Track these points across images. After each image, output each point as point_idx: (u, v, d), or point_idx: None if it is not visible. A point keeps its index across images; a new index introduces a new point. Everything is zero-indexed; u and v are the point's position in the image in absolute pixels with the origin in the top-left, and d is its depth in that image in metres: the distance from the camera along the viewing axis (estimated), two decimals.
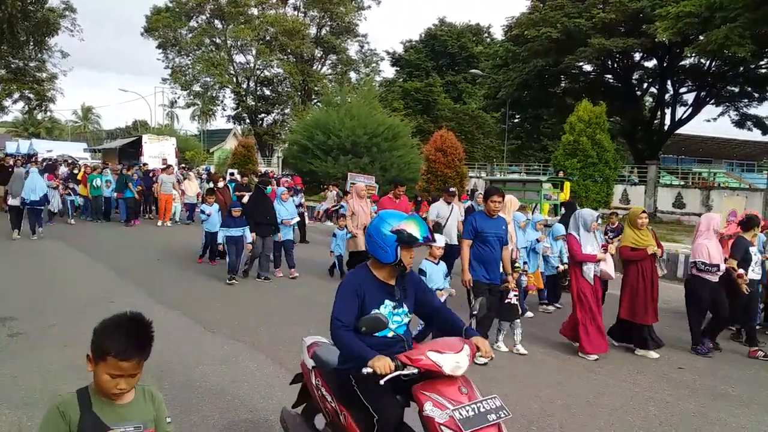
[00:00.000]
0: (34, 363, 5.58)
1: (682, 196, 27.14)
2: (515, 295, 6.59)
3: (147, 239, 14.93)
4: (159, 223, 17.65)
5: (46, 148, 34.54)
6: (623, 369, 6.24)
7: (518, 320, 6.63)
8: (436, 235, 6.68)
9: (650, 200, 28.08)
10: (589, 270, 6.60)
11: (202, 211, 11.65)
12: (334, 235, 10.78)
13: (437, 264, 6.57)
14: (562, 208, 15.42)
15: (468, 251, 6.32)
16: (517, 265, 7.06)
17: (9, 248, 12.46)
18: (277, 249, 10.54)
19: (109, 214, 18.49)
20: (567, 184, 13.15)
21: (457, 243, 9.08)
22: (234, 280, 9.73)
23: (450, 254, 9.30)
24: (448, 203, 10.05)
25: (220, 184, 13.11)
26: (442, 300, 6.03)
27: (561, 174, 18.30)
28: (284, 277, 10.53)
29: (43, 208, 14.02)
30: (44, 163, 20.25)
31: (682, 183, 30.91)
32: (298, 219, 11.59)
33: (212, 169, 26.57)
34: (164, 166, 21.08)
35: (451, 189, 10.56)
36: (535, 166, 40.54)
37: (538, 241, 8.75)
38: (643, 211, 7.07)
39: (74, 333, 6.53)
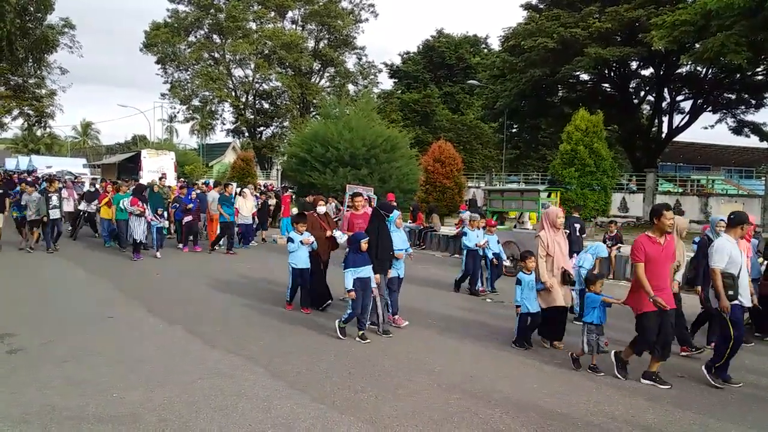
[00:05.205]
0: (33, 379, 5.59)
1: (680, 204, 27.21)
2: None
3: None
4: (217, 247, 15.49)
5: (45, 164, 34.62)
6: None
7: None
8: None
9: (649, 208, 28.11)
10: None
11: (291, 240, 8.91)
12: (519, 282, 7.38)
13: None
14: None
15: None
16: None
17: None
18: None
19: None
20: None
21: (751, 305, 6.52)
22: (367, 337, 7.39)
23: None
24: (742, 236, 6.27)
25: (321, 209, 9.74)
26: None
27: (553, 183, 18.45)
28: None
29: None
30: (132, 185, 16.50)
31: (681, 190, 31.00)
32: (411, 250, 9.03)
33: (211, 182, 26.38)
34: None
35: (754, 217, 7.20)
36: (534, 175, 40.64)
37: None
38: None
39: (73, 348, 6.55)
